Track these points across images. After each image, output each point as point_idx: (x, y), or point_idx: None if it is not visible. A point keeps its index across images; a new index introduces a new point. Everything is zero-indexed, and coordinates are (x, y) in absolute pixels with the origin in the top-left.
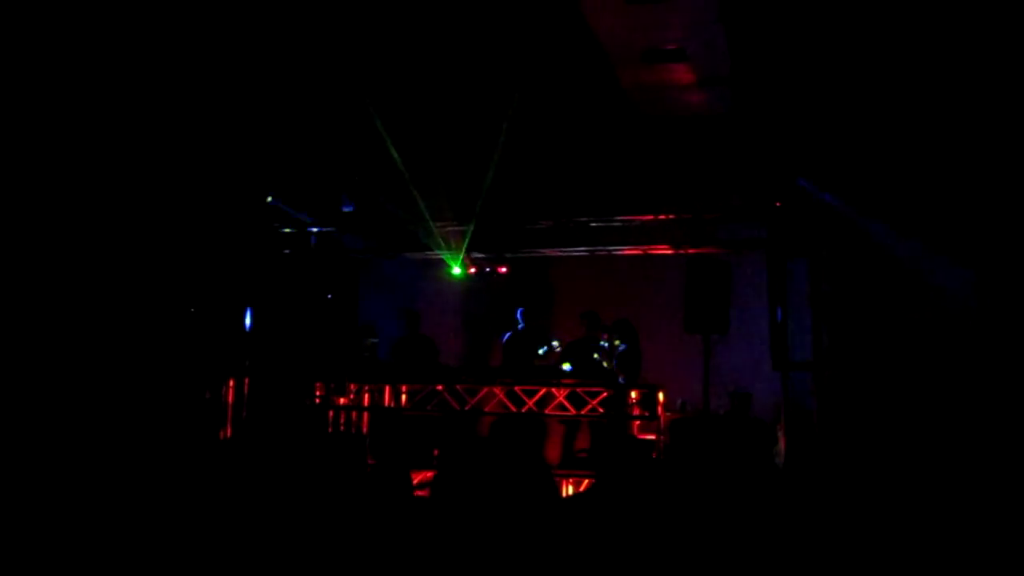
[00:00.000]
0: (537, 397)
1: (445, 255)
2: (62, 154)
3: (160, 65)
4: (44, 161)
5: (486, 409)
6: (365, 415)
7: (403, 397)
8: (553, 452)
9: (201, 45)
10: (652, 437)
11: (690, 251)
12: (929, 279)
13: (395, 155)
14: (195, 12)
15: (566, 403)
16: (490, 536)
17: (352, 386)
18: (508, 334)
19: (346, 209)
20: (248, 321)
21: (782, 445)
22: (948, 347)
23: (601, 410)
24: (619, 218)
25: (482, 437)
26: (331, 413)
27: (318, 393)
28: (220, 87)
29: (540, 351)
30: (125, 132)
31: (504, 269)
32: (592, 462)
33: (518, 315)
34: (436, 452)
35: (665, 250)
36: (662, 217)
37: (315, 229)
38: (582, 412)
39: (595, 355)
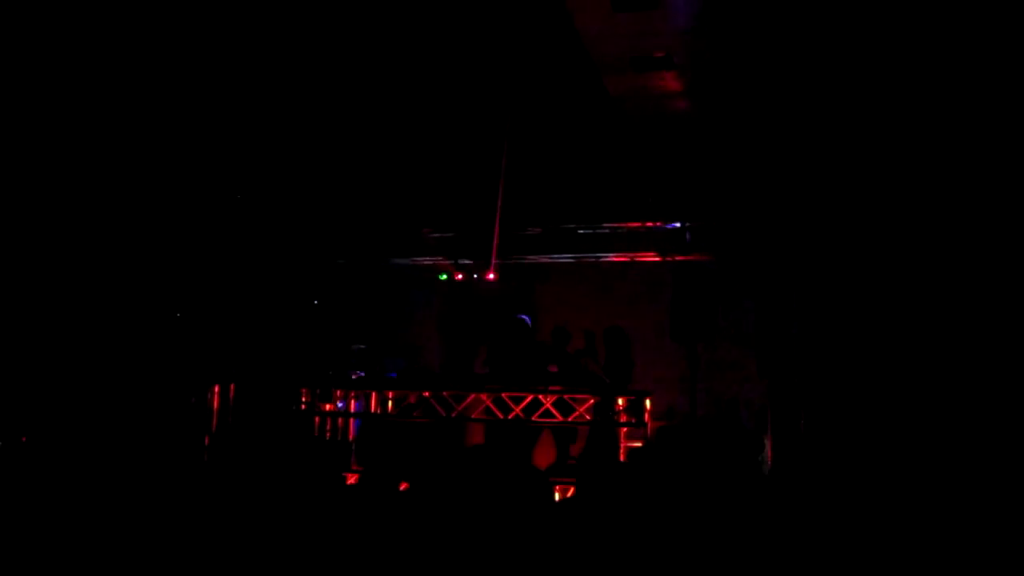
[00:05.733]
0: (524, 404)
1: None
2: (48, 160)
3: (148, 67)
4: (31, 166)
5: (473, 416)
6: (351, 422)
7: (389, 404)
8: (543, 458)
9: (188, 46)
10: (639, 445)
11: (677, 258)
12: (920, 281)
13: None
14: (186, 16)
15: (553, 410)
16: (480, 540)
17: (338, 392)
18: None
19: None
20: (234, 326)
21: (769, 451)
22: (937, 351)
23: (588, 417)
24: (607, 225)
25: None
26: (317, 419)
27: (304, 399)
28: (207, 92)
29: None
30: (111, 138)
31: (492, 276)
32: (577, 469)
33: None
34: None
35: (652, 257)
36: (649, 224)
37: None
38: (569, 419)
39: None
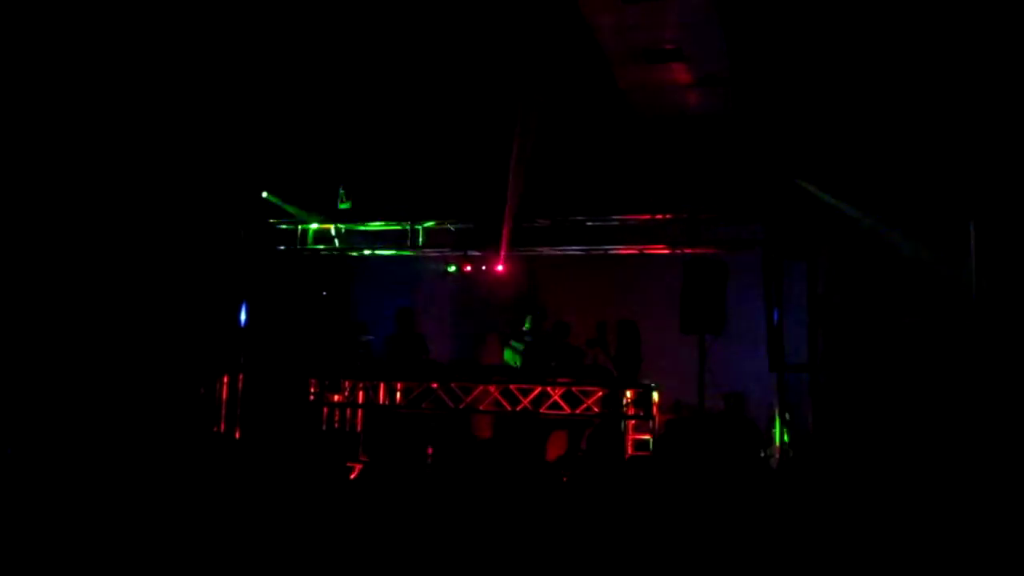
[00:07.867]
0: (532, 396)
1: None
2: (59, 152)
3: (157, 63)
4: (41, 158)
5: (480, 408)
6: (359, 412)
7: (398, 395)
8: (554, 450)
9: (198, 43)
10: (647, 437)
11: (687, 251)
12: (928, 277)
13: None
14: (192, 11)
15: (561, 402)
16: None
17: (346, 383)
18: None
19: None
20: (243, 317)
21: (776, 446)
22: (945, 348)
23: (596, 409)
24: (616, 217)
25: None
26: (325, 410)
27: (312, 390)
28: (217, 84)
29: None
30: (121, 130)
31: (501, 267)
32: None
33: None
34: (431, 450)
35: (662, 250)
36: (659, 217)
37: (312, 225)
38: (576, 411)
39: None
